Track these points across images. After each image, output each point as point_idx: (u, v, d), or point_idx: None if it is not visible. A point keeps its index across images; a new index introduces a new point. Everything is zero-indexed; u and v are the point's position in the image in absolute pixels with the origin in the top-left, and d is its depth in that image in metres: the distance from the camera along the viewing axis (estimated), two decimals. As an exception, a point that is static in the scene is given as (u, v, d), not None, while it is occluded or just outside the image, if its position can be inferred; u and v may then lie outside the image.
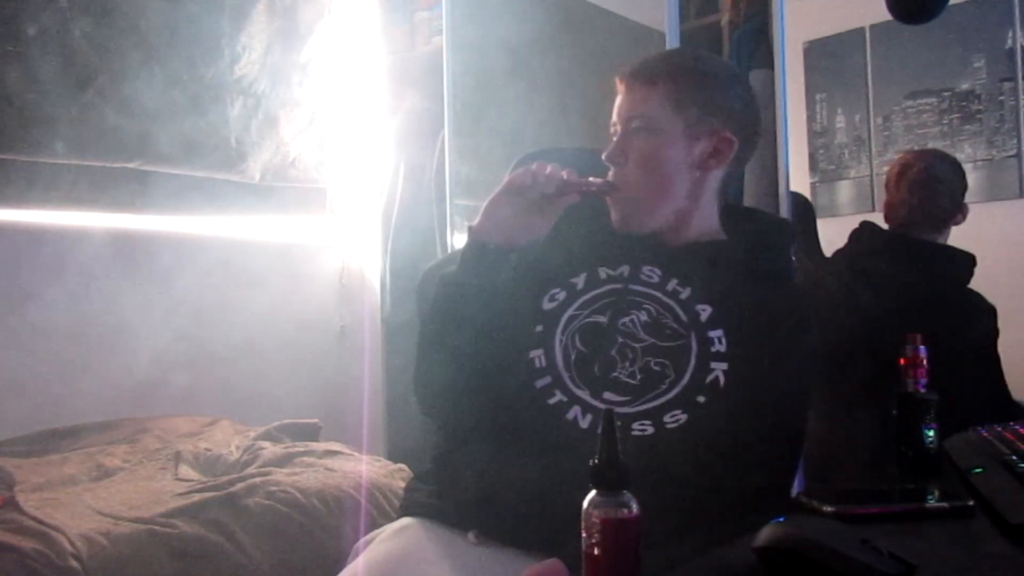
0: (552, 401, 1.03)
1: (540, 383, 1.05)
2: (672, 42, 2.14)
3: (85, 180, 2.23)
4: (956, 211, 1.92)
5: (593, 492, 0.63)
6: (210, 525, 1.65)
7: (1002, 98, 2.95)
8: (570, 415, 1.01)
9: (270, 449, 2.07)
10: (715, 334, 1.05)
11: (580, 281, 1.12)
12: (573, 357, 1.05)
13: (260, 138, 2.64)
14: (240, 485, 1.77)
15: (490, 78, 2.53)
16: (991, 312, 1.80)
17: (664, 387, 1.02)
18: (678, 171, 1.12)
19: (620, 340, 1.05)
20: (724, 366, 1.03)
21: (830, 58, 3.37)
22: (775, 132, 1.83)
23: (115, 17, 2.26)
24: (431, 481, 1.12)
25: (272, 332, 2.60)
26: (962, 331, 1.68)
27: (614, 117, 1.15)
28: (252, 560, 1.66)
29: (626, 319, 1.07)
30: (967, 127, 3.02)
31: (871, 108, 3.25)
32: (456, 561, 1.00)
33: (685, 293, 1.09)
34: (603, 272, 1.12)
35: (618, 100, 1.15)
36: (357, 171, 2.97)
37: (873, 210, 2.80)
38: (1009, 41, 2.93)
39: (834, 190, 3.30)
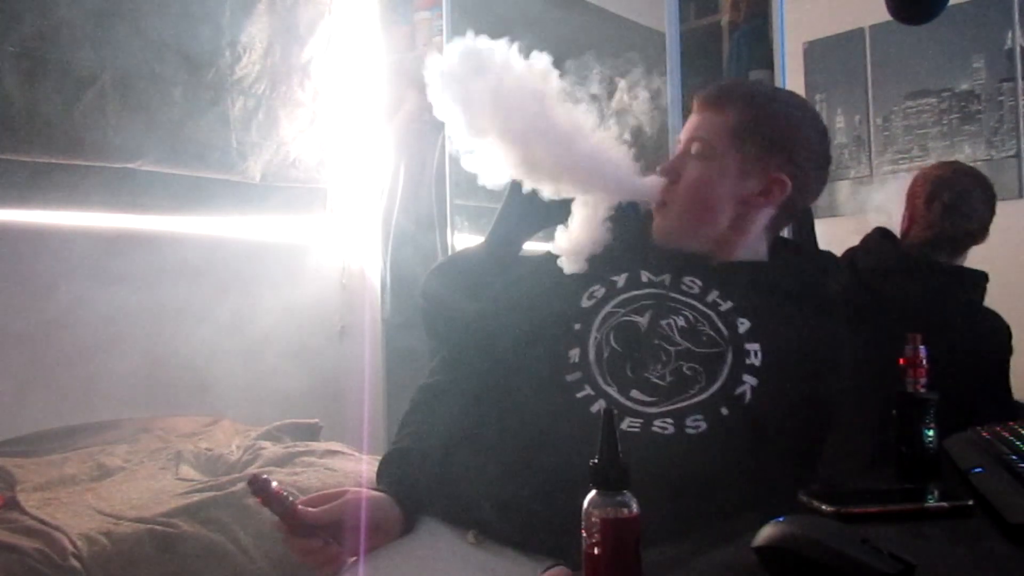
0: (580, 395, 1.03)
1: (570, 378, 1.05)
2: (672, 42, 2.13)
3: (85, 180, 2.24)
4: (981, 238, 1.86)
5: (593, 492, 0.63)
6: (211, 525, 1.65)
7: (1002, 98, 2.95)
8: (594, 408, 1.01)
9: (271, 449, 2.08)
10: (752, 347, 1.05)
11: (621, 280, 1.13)
12: (606, 355, 1.05)
13: (260, 138, 2.64)
14: (241, 485, 1.77)
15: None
16: (1006, 331, 1.72)
17: (692, 392, 1.02)
18: (723, 202, 1.12)
19: (656, 342, 1.05)
20: (754, 381, 1.02)
21: (830, 58, 3.37)
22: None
23: (116, 18, 2.26)
24: (433, 476, 1.11)
25: (272, 332, 2.60)
26: (977, 353, 1.63)
27: (682, 132, 1.18)
28: (253, 560, 1.66)
29: (664, 322, 1.07)
30: (967, 127, 3.02)
31: (871, 108, 3.25)
32: (455, 560, 1.00)
33: (725, 305, 1.09)
34: (644, 275, 1.13)
35: (690, 117, 1.18)
36: (357, 171, 2.97)
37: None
38: (1009, 41, 2.93)
39: (834, 190, 3.30)
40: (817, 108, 3.46)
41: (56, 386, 2.18)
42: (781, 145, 1.12)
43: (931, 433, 0.98)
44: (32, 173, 2.14)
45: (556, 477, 0.94)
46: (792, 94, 1.19)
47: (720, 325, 1.07)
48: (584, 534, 0.62)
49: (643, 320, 1.07)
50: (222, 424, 2.34)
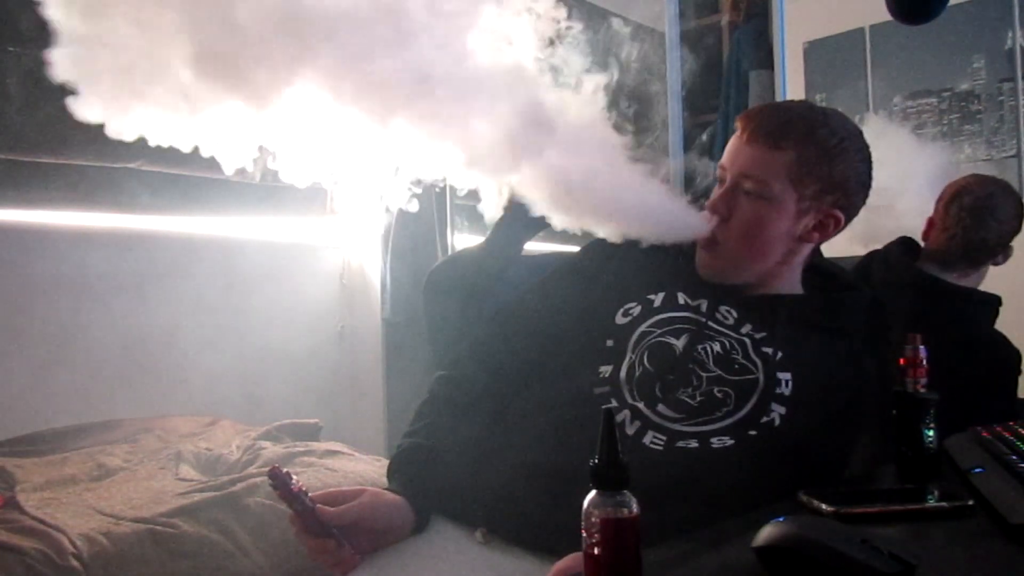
0: (604, 405, 1.03)
1: (599, 391, 1.05)
2: (672, 42, 2.12)
3: (85, 180, 2.24)
4: (1000, 251, 1.79)
5: (593, 492, 0.63)
6: (211, 525, 1.65)
7: (1002, 98, 2.95)
8: (619, 418, 1.02)
9: (271, 449, 2.08)
10: (784, 376, 1.05)
11: (657, 299, 1.12)
12: (637, 374, 1.05)
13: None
14: (240, 485, 1.77)
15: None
16: (1016, 356, 1.69)
17: (719, 415, 1.02)
18: (779, 240, 1.10)
19: (689, 366, 1.05)
20: (783, 410, 1.02)
21: (830, 58, 3.36)
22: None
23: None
24: (446, 475, 1.11)
25: (272, 332, 2.60)
26: (984, 379, 1.61)
27: (726, 159, 1.11)
28: (252, 560, 1.66)
29: (700, 347, 1.06)
30: (967, 127, 3.02)
31: (871, 108, 3.25)
32: (463, 557, 1.01)
33: (759, 336, 1.08)
34: (681, 297, 1.12)
35: (735, 144, 1.10)
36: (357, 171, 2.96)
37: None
38: (1009, 41, 2.92)
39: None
40: (817, 108, 3.46)
41: (56, 386, 2.18)
42: (837, 182, 1.09)
43: (931, 433, 0.98)
44: (32, 173, 2.14)
45: (571, 480, 0.94)
46: (844, 119, 1.12)
47: (752, 354, 1.06)
48: (584, 534, 0.62)
49: (679, 343, 1.07)
50: (222, 424, 2.34)
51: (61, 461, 1.96)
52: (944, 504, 0.84)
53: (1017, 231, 1.81)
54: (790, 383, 1.04)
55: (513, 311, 1.21)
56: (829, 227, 1.12)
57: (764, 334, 1.08)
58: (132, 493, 1.77)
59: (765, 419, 1.02)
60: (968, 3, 2.93)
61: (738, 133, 1.10)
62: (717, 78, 3.69)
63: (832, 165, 1.08)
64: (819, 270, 1.21)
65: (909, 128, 2.96)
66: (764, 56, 3.49)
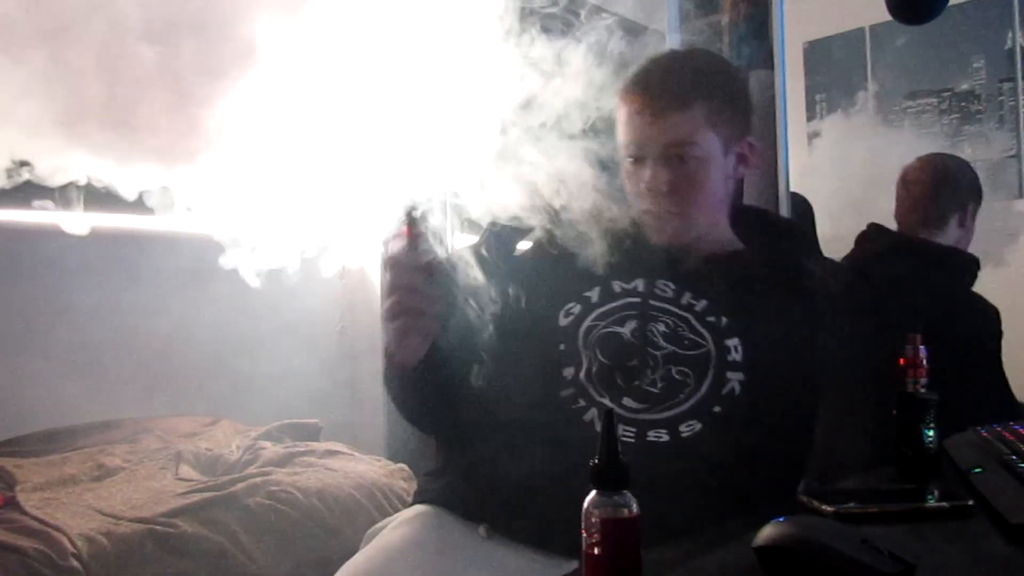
0: (573, 406, 1.04)
1: (564, 393, 1.05)
2: (672, 42, 2.13)
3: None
4: (957, 209, 1.90)
5: (593, 492, 0.63)
6: (211, 525, 1.65)
7: (1002, 98, 2.95)
8: (587, 417, 1.02)
9: (271, 449, 2.08)
10: (731, 343, 1.05)
11: (594, 295, 1.12)
12: (595, 369, 1.06)
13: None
14: (241, 485, 1.77)
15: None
16: (995, 314, 1.79)
17: (682, 396, 1.03)
18: (719, 187, 1.12)
19: (641, 349, 1.06)
20: (740, 376, 1.03)
21: (830, 58, 3.37)
22: (775, 132, 1.82)
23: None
24: (447, 473, 1.12)
25: (272, 332, 2.60)
26: (965, 334, 1.67)
27: (637, 137, 1.09)
28: (252, 560, 1.66)
29: (646, 329, 1.07)
30: (967, 127, 3.03)
31: (871, 108, 3.25)
32: (466, 552, 1.01)
33: (700, 305, 1.09)
34: (617, 286, 1.12)
35: (637, 122, 1.09)
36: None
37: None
38: (1009, 41, 2.93)
39: (834, 190, 3.29)
40: (817, 108, 3.47)
41: (56, 386, 2.18)
42: (742, 112, 1.14)
43: (931, 433, 0.98)
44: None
45: (552, 480, 0.95)
46: (709, 53, 1.18)
47: (698, 326, 1.07)
48: (584, 534, 0.62)
49: (625, 330, 1.08)
50: (222, 424, 2.34)
51: (61, 461, 1.96)
52: (944, 504, 0.84)
53: (974, 191, 1.94)
54: (739, 347, 1.05)
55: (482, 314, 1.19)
56: (751, 155, 1.15)
57: (705, 302, 1.09)
58: (132, 493, 1.77)
59: (725, 390, 1.02)
60: (968, 3, 2.94)
61: (636, 109, 1.09)
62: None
63: (732, 97, 1.13)
64: (748, 214, 1.23)
65: (907, 127, 2.97)
66: (764, 56, 3.49)
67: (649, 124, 1.08)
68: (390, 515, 1.84)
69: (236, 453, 2.07)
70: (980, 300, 1.81)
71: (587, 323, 1.09)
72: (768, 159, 1.80)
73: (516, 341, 1.08)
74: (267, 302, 2.57)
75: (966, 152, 2.98)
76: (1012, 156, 2.92)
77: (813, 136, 3.36)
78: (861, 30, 3.26)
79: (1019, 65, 2.90)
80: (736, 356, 1.04)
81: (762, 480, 1.00)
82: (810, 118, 3.47)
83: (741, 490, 0.97)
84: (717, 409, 1.01)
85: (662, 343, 1.06)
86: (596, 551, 0.61)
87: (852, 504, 0.83)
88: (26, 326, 2.15)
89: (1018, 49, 2.90)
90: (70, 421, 2.14)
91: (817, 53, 3.40)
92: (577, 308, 1.11)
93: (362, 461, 2.07)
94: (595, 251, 1.13)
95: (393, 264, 0.97)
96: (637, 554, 0.62)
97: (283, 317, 2.64)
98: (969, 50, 3.00)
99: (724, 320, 1.07)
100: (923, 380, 1.00)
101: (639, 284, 1.12)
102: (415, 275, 0.95)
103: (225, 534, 1.65)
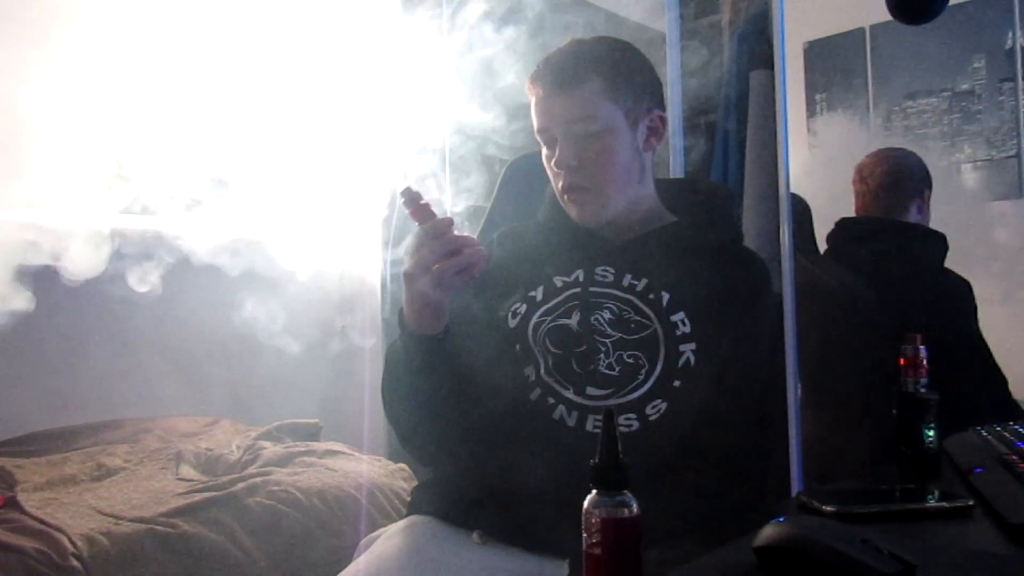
0: (540, 405, 1.05)
1: (533, 395, 1.07)
2: (672, 42, 2.13)
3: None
4: (915, 195, 2.01)
5: (593, 492, 0.63)
6: (211, 525, 1.65)
7: (1002, 98, 2.95)
8: (556, 415, 1.04)
9: (271, 449, 2.08)
10: (677, 317, 1.07)
11: (538, 293, 1.14)
12: (551, 362, 1.07)
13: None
14: (241, 485, 1.77)
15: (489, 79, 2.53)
16: (968, 287, 1.87)
17: (641, 377, 1.04)
18: (629, 159, 1.14)
19: (590, 337, 1.07)
20: (692, 346, 1.06)
21: (830, 58, 3.37)
22: (775, 132, 1.82)
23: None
24: (438, 483, 1.13)
25: (272, 332, 2.60)
26: (943, 308, 1.74)
27: (543, 121, 1.13)
28: (253, 559, 1.66)
29: (592, 318, 1.09)
30: (967, 127, 3.02)
31: (871, 108, 3.25)
32: (460, 559, 1.01)
33: (641, 285, 1.11)
34: (558, 281, 1.14)
35: (543, 105, 1.13)
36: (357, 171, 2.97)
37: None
38: (1009, 41, 2.93)
39: (834, 190, 3.29)
40: (817, 108, 3.47)
41: (56, 386, 2.18)
42: (644, 84, 1.15)
43: (931, 433, 0.98)
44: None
45: (536, 482, 0.97)
46: (610, 38, 1.19)
47: (642, 306, 1.09)
48: (584, 534, 0.62)
49: (572, 321, 1.09)
50: (222, 424, 2.34)
51: (61, 461, 1.96)
52: (944, 504, 0.84)
53: (922, 171, 2.05)
54: (686, 320, 1.07)
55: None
56: (660, 127, 1.17)
57: (646, 281, 1.11)
58: (132, 493, 1.77)
59: (681, 362, 1.05)
60: (968, 3, 2.93)
61: (539, 94, 1.13)
62: (717, 77, 3.69)
63: (630, 72, 1.14)
64: (674, 185, 1.26)
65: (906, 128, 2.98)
66: (764, 56, 3.49)
67: (550, 106, 1.13)
68: (390, 515, 1.85)
69: (236, 453, 2.07)
70: (953, 273, 1.90)
71: (534, 320, 1.11)
72: (768, 159, 1.81)
73: (482, 349, 1.10)
74: (267, 302, 2.57)
75: (966, 152, 2.98)
76: (1012, 156, 2.91)
77: (813, 136, 3.36)
78: (861, 30, 3.26)
79: (1019, 65, 2.90)
80: (685, 329, 1.07)
81: (736, 440, 1.03)
82: (810, 117, 3.47)
83: (713, 455, 1.01)
84: (677, 383, 1.04)
85: (609, 331, 1.08)
86: (596, 551, 0.61)
87: (852, 504, 0.83)
88: (25, 326, 2.15)
89: (1018, 49, 2.90)
90: (70, 421, 2.14)
91: (817, 53, 3.40)
92: (523, 308, 1.13)
93: (362, 461, 2.07)
94: (531, 252, 1.17)
95: (415, 237, 1.01)
96: (637, 554, 0.62)
97: (283, 316, 2.64)
98: (969, 50, 3.00)
99: (666, 296, 1.09)
100: (923, 380, 1.00)
101: (579, 274, 1.14)
102: (436, 229, 0.99)
103: (225, 534, 1.65)
